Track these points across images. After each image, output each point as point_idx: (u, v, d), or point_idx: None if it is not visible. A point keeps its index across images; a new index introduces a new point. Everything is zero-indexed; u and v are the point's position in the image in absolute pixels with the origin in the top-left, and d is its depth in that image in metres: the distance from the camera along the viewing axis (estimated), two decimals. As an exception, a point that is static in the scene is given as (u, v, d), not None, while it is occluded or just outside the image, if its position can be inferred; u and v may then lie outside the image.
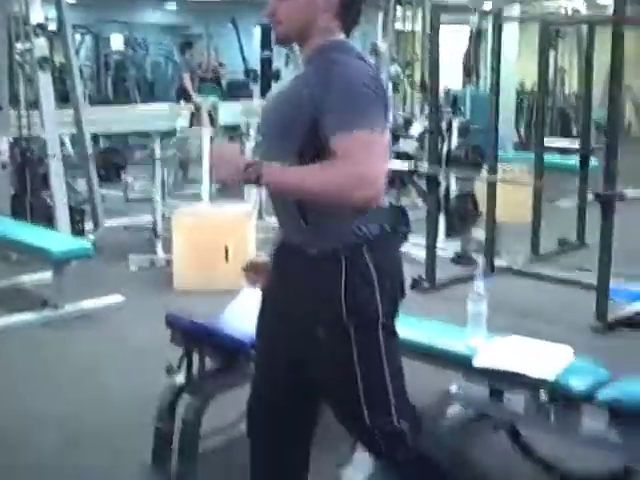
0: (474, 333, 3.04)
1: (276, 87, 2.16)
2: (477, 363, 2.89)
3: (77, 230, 6.39)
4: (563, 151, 9.87)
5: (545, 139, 8.50)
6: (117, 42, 15.91)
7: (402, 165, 6.11)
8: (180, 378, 3.09)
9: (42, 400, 3.81)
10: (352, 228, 2.06)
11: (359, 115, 1.96)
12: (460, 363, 2.99)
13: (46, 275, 5.30)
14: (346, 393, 2.13)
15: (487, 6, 7.94)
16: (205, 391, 3.04)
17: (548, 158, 7.90)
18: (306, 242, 2.10)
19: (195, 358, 3.07)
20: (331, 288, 2.05)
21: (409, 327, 3.02)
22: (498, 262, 5.98)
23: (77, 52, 8.88)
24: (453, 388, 3.13)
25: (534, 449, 3.09)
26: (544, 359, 2.86)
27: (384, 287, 2.09)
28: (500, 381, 2.88)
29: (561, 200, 8.06)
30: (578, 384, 2.73)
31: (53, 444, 3.38)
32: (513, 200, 6.88)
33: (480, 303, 3.01)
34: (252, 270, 2.39)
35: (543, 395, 2.83)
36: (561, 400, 2.78)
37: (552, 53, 11.75)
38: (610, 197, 4.66)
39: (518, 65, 11.06)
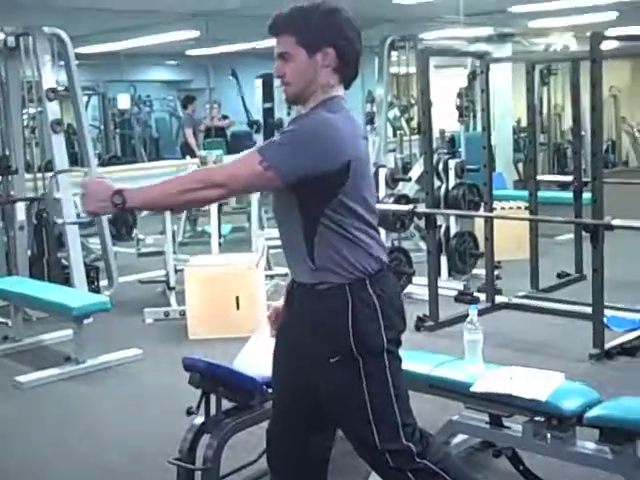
0: (471, 361, 3.25)
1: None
2: (474, 389, 3.10)
3: (92, 288, 6.60)
4: (563, 186, 10.08)
5: (543, 175, 8.75)
6: (124, 102, 16.27)
7: (401, 208, 6.32)
8: (199, 419, 3.30)
9: (70, 447, 4.03)
10: (356, 265, 2.30)
11: (270, 144, 2.24)
12: (459, 391, 3.19)
13: (66, 333, 5.56)
14: (356, 417, 2.34)
15: (475, 48, 8.22)
16: (223, 429, 3.23)
17: (545, 194, 8.15)
18: (314, 279, 2.33)
19: (212, 400, 3.29)
20: (339, 320, 2.28)
21: (412, 361, 3.23)
22: (499, 298, 6.17)
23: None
24: (455, 418, 3.32)
25: (534, 472, 3.28)
26: (537, 384, 3.06)
27: (387, 316, 2.32)
28: (496, 405, 3.07)
29: (560, 235, 8.28)
30: (568, 404, 2.93)
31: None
32: (512, 237, 7.10)
33: (475, 332, 3.22)
34: (276, 315, 2.61)
35: (539, 419, 3.04)
36: (555, 421, 2.98)
37: (545, 90, 12.10)
38: (597, 227, 4.85)
39: (514, 103, 11.33)
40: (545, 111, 12.21)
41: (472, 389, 3.11)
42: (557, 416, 2.95)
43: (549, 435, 3.03)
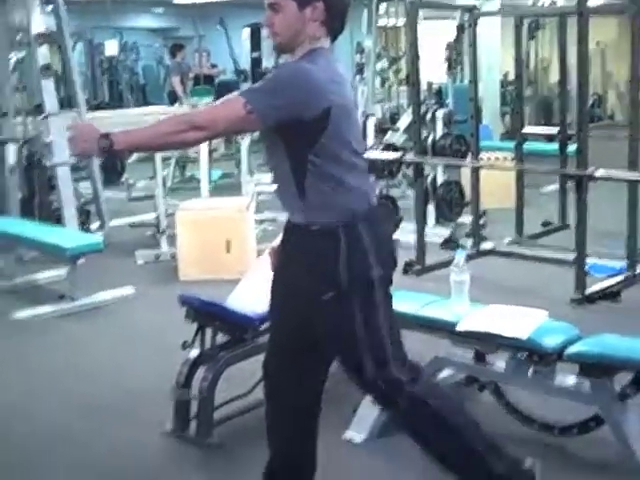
0: (457, 301, 3.37)
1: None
2: (460, 327, 3.22)
3: (84, 230, 6.67)
4: (550, 138, 10.16)
5: (529, 127, 8.84)
6: (111, 48, 16.18)
7: (390, 156, 6.42)
8: (194, 352, 3.42)
9: (65, 384, 4.12)
10: (346, 205, 2.40)
11: (252, 89, 2.38)
12: (446, 329, 3.31)
13: (58, 272, 5.66)
14: (349, 350, 2.47)
15: (464, 1, 8.25)
16: (218, 362, 3.36)
17: (532, 145, 8.25)
18: (307, 220, 2.43)
19: (207, 334, 3.41)
20: (331, 258, 2.39)
21: (400, 300, 3.34)
22: (485, 245, 6.30)
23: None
24: (441, 354, 3.45)
25: (516, 405, 3.42)
26: (520, 322, 3.19)
27: (378, 254, 2.42)
28: (481, 343, 3.20)
29: (545, 186, 8.40)
30: (549, 341, 3.06)
31: (78, 419, 3.68)
32: (498, 186, 7.21)
33: (461, 274, 3.34)
34: (274, 254, 2.69)
35: (521, 355, 3.17)
36: (536, 357, 3.11)
37: (533, 44, 12.14)
38: (581, 177, 4.99)
39: (502, 57, 11.35)
40: (532, 65, 12.25)
41: (458, 328, 3.23)
42: (538, 352, 3.07)
43: (530, 370, 3.16)
